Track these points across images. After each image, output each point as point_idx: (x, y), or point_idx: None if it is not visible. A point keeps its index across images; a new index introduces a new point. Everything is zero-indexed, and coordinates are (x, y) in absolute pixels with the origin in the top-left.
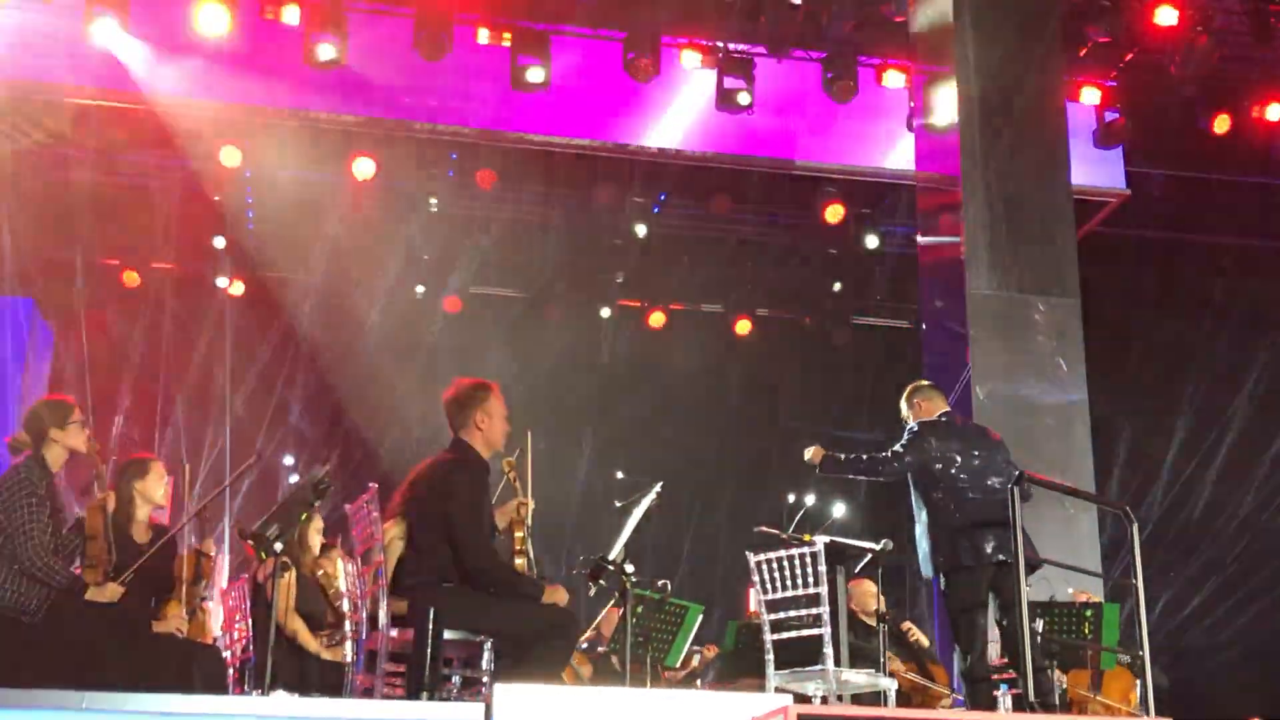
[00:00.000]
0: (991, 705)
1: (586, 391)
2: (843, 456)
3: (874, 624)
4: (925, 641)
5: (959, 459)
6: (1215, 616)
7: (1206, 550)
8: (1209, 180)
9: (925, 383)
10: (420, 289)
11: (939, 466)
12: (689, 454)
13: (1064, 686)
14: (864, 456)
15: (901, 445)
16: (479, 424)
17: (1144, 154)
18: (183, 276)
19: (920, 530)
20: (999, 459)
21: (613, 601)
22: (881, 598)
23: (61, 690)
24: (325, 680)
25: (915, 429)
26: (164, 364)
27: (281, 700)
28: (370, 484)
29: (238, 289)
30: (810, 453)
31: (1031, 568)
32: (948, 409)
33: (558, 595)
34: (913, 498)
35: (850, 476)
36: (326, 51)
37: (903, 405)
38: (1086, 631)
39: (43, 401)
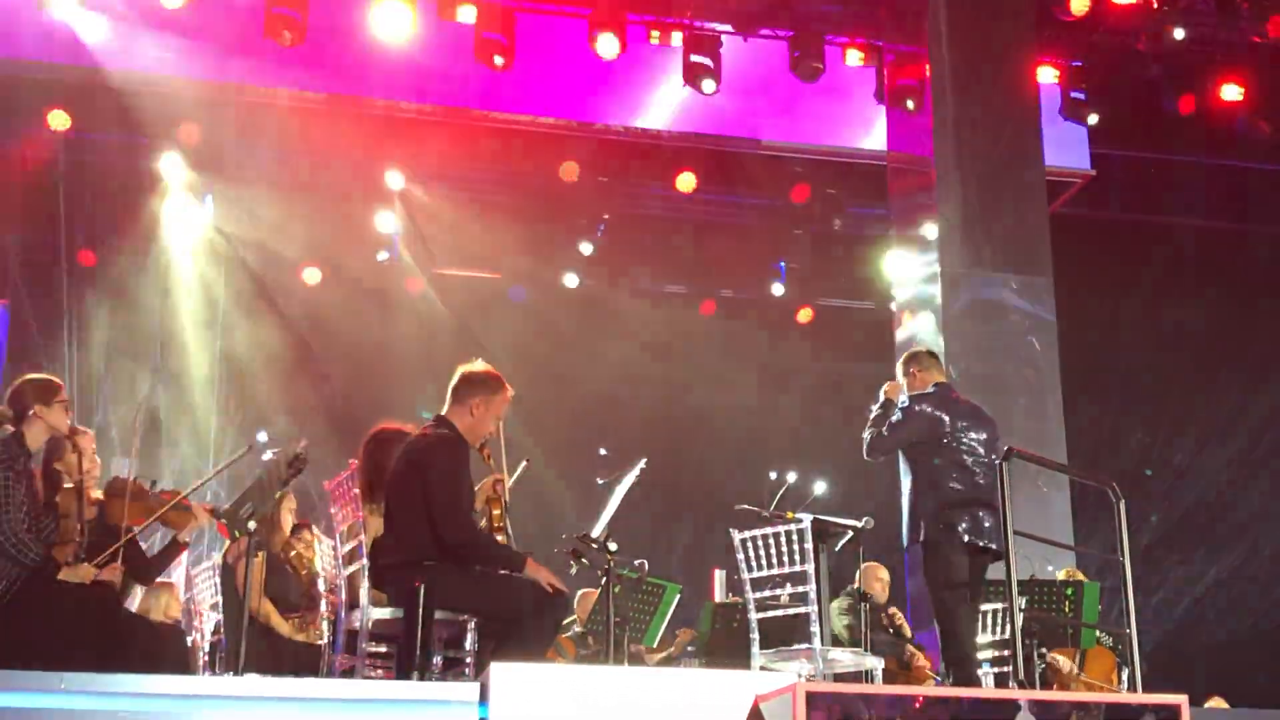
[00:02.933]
0: (976, 683)
1: (552, 373)
2: (881, 416)
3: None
4: (908, 631)
5: (950, 432)
6: (1183, 597)
7: (1174, 531)
8: (1173, 161)
9: (924, 349)
10: (383, 255)
11: (932, 438)
12: (653, 437)
13: (1046, 665)
14: (877, 425)
15: (896, 423)
16: (473, 409)
17: (1108, 135)
18: (139, 254)
19: (906, 503)
20: (989, 438)
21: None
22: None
23: (40, 672)
24: (298, 662)
25: (908, 402)
26: (125, 342)
27: (283, 682)
28: (350, 460)
29: (199, 266)
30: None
31: (996, 556)
32: (944, 380)
33: (540, 573)
34: (901, 468)
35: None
36: (287, 26)
37: (899, 370)
38: (1067, 609)
39: (29, 379)
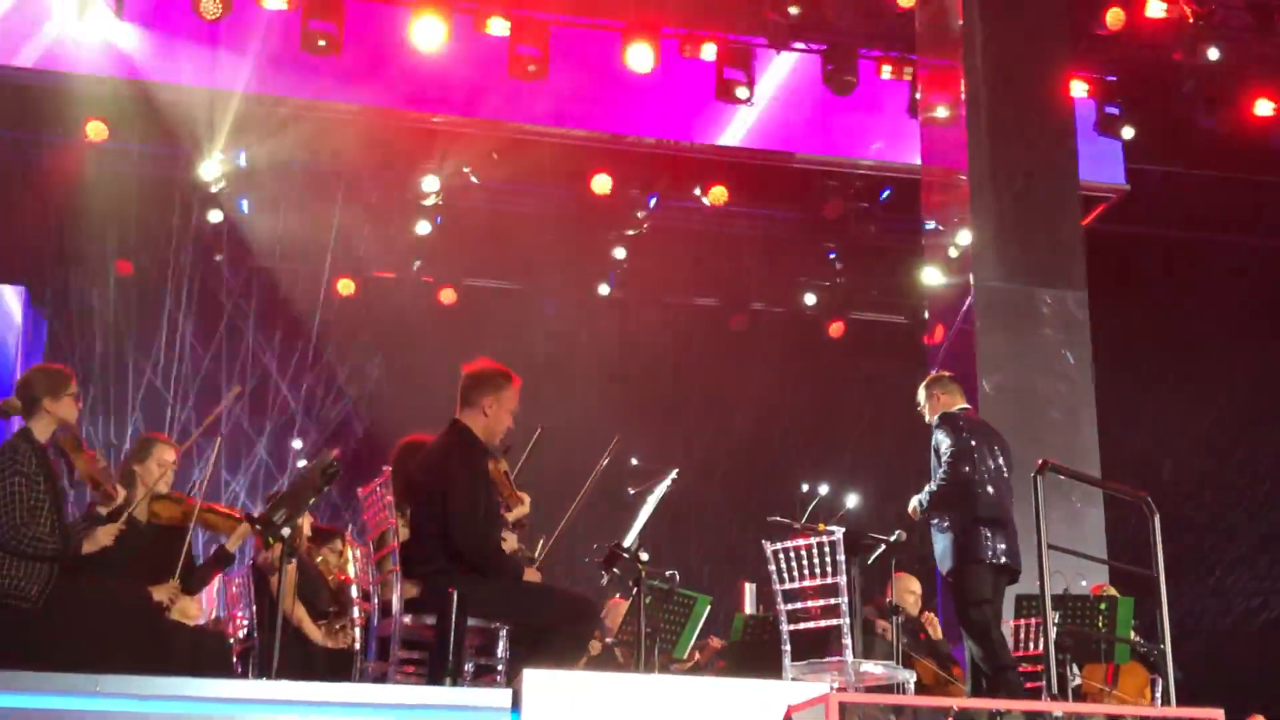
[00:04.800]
0: (1022, 692)
1: (582, 384)
2: (930, 498)
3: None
4: (939, 632)
5: (978, 455)
6: (1212, 608)
7: (1206, 547)
8: (1209, 176)
9: (946, 374)
10: (417, 265)
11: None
12: (684, 448)
13: (1079, 680)
14: (940, 488)
15: (950, 448)
16: (485, 408)
17: (1143, 149)
18: (178, 264)
19: (935, 524)
20: (1005, 460)
21: (619, 593)
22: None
23: (75, 674)
24: (330, 667)
25: (944, 422)
26: (160, 352)
27: (317, 687)
28: (384, 467)
29: (233, 277)
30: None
31: (1013, 576)
32: (965, 404)
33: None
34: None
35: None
36: (323, 38)
37: (920, 394)
38: (1101, 625)
39: (39, 369)
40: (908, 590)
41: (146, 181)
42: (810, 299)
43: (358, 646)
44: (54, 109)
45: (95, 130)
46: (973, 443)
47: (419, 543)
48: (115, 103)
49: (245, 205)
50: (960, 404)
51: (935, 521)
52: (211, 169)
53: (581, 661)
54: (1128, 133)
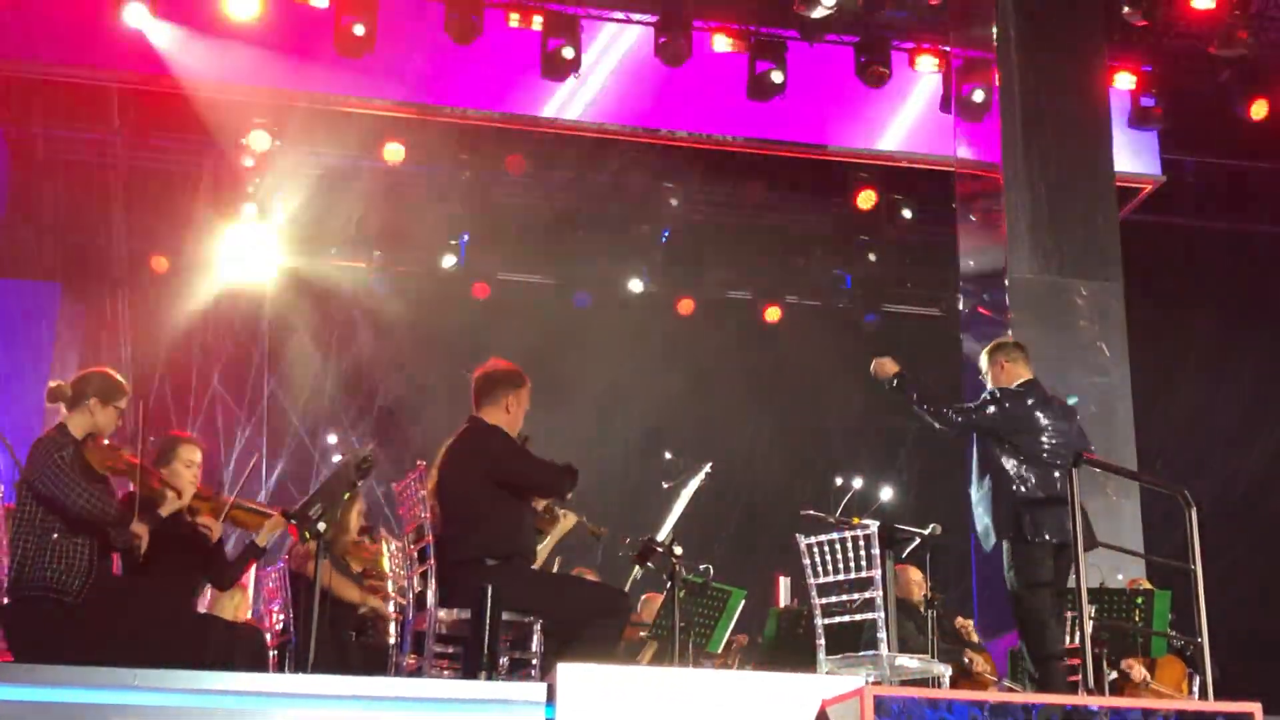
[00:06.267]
0: (1064, 685)
1: (616, 378)
2: (916, 394)
3: (921, 610)
4: (975, 636)
5: (1037, 429)
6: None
7: (1238, 542)
8: (1245, 167)
9: (1011, 341)
10: (450, 260)
11: (1017, 434)
12: (718, 441)
13: (1115, 675)
14: (936, 403)
15: (976, 405)
16: (508, 406)
17: (1179, 140)
18: (214, 262)
19: (981, 499)
20: (1074, 434)
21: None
22: (929, 583)
23: (113, 668)
24: (366, 662)
25: (995, 393)
26: (193, 350)
27: (352, 681)
28: (419, 462)
29: (268, 273)
30: (877, 366)
31: (1087, 547)
32: (1031, 376)
33: None
34: (975, 465)
35: (916, 410)
36: (356, 36)
37: (983, 360)
38: (1137, 618)
39: (103, 373)
40: (913, 581)
41: (180, 178)
42: (842, 292)
43: (393, 641)
44: (90, 106)
45: (132, 126)
46: (1029, 416)
47: (450, 536)
48: (149, 98)
49: (278, 201)
50: (1024, 376)
51: (977, 498)
52: (244, 164)
53: (637, 655)
54: (1163, 121)
